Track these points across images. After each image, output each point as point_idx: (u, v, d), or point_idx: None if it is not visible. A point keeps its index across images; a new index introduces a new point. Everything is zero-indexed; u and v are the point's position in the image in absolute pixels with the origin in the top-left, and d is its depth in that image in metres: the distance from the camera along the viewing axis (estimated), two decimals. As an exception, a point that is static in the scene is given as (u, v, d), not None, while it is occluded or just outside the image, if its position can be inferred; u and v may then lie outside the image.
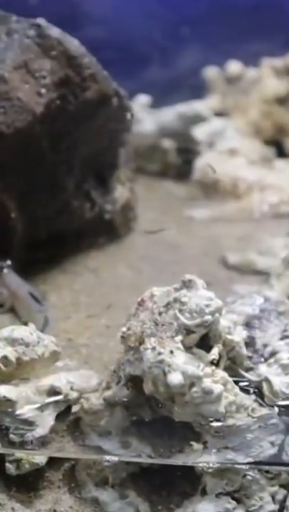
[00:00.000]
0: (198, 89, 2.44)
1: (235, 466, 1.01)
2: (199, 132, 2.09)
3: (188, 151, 2.10)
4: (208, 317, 1.02)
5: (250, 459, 1.02)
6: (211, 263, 1.58)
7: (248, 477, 1.02)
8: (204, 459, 1.02)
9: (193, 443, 1.02)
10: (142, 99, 2.14)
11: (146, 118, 2.12)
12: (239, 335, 1.07)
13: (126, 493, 1.05)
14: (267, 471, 1.03)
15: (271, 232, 1.67)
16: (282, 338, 1.14)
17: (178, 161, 2.14)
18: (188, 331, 1.02)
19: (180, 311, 1.02)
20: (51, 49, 1.40)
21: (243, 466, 1.00)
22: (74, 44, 1.42)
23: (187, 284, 1.05)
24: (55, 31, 1.41)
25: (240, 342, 1.07)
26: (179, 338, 1.01)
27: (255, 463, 1.01)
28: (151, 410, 1.05)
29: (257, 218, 1.80)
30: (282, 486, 1.04)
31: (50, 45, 1.40)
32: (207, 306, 1.02)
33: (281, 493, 1.04)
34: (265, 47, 2.42)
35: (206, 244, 1.68)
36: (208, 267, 1.55)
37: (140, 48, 2.67)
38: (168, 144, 2.14)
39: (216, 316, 1.03)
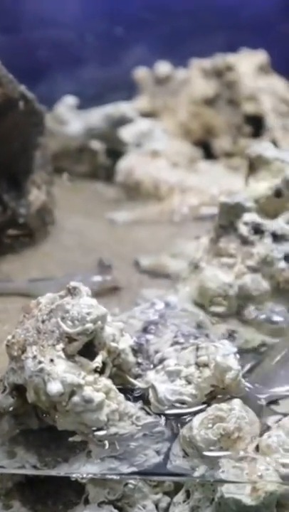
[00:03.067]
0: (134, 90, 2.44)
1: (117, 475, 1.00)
2: (126, 133, 2.09)
3: (115, 152, 2.10)
4: (90, 325, 1.01)
5: (134, 468, 1.01)
6: (125, 267, 1.57)
7: (130, 485, 1.01)
8: (88, 468, 1.01)
9: (77, 452, 1.01)
10: (68, 101, 2.13)
11: (74, 119, 2.11)
12: (125, 342, 1.06)
13: (10, 503, 1.04)
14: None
15: (188, 235, 1.66)
16: (172, 344, 1.13)
17: (107, 162, 2.14)
18: (70, 338, 1.01)
19: (62, 318, 1.02)
20: None
21: (115, 476, 0.99)
22: (-24, 47, 1.40)
23: (72, 292, 1.04)
24: None
25: (126, 349, 1.06)
26: (61, 346, 1.01)
27: (139, 473, 1.00)
28: (37, 419, 1.04)
29: (177, 221, 1.79)
30: (166, 493, 1.03)
31: None
32: (88, 313, 1.01)
33: (165, 501, 1.03)
34: (199, 48, 2.42)
35: (123, 247, 1.67)
36: (121, 271, 1.55)
37: (78, 48, 2.67)
38: (97, 145, 2.13)
39: (98, 324, 1.02)
